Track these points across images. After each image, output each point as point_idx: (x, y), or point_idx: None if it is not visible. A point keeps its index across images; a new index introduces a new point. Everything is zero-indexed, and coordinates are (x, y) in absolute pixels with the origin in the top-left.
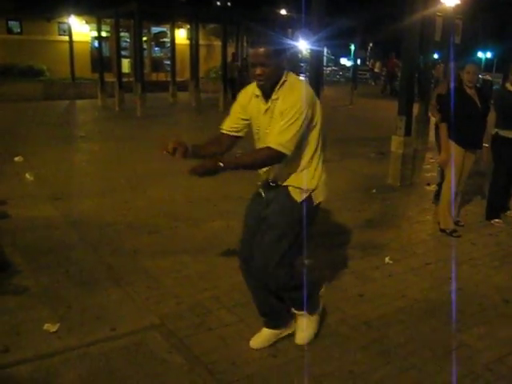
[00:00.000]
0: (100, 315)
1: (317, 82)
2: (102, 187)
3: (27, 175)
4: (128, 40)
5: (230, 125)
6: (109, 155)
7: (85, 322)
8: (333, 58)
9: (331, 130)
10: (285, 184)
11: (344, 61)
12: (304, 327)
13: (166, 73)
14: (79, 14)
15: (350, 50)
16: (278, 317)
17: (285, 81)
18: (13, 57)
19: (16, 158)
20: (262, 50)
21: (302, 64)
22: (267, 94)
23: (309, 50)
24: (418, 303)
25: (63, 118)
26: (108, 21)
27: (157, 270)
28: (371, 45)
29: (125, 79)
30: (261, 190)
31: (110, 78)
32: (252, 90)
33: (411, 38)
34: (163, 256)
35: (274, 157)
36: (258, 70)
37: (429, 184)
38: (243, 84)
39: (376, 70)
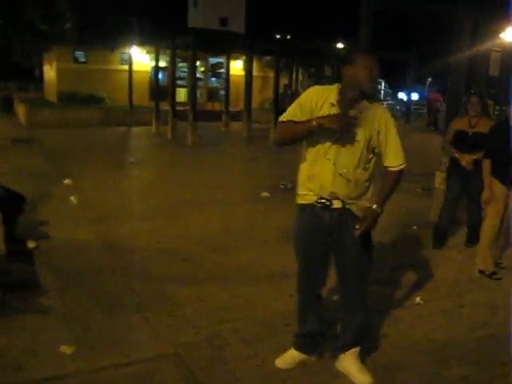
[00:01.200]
0: (116, 340)
1: None
2: (142, 212)
3: (72, 198)
4: (186, 70)
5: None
6: (154, 181)
7: (100, 346)
8: (390, 91)
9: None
10: (353, 205)
11: (402, 95)
12: (360, 367)
13: (221, 102)
14: (140, 44)
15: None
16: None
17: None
18: (77, 85)
19: (65, 181)
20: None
21: None
22: (347, 105)
23: None
24: (445, 348)
25: (117, 143)
26: (167, 51)
27: (180, 298)
28: (430, 79)
29: (181, 108)
30: (318, 211)
31: (166, 106)
32: (327, 94)
33: (457, 72)
34: (189, 284)
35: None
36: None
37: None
38: None
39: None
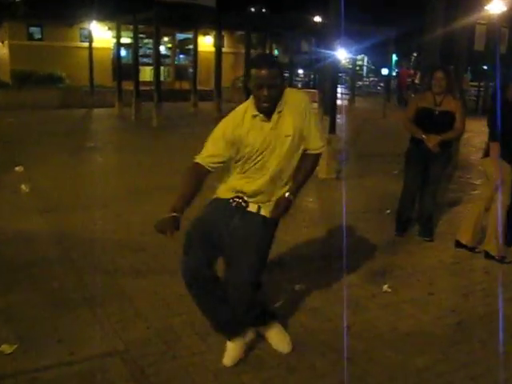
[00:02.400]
0: (62, 338)
1: (333, 94)
2: (98, 201)
3: (23, 186)
4: (151, 47)
5: (214, 158)
6: (114, 167)
7: (44, 344)
8: (373, 68)
9: (354, 145)
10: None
11: (385, 71)
12: (281, 336)
13: (190, 81)
14: (101, 19)
15: (392, 59)
16: (238, 323)
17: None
18: (33, 64)
19: (16, 168)
20: (271, 71)
21: (340, 74)
22: (269, 111)
23: (348, 60)
24: (410, 337)
25: (76, 127)
26: (131, 27)
27: (133, 291)
28: (415, 54)
29: (146, 88)
30: (231, 202)
31: (130, 86)
32: (243, 111)
33: (430, 47)
34: (144, 276)
35: (320, 158)
36: (265, 92)
37: (452, 205)
38: None
39: (416, 81)
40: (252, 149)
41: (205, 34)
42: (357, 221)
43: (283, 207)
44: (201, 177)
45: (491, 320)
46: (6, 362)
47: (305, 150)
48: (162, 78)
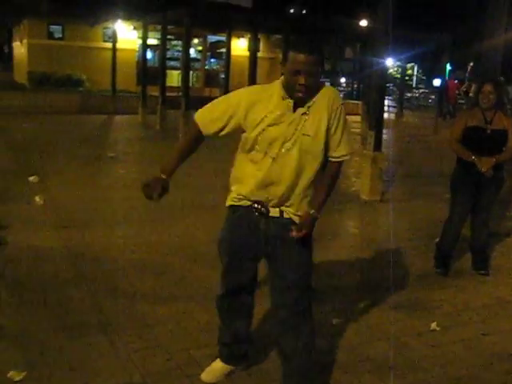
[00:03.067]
0: (74, 366)
1: (380, 106)
2: (117, 217)
3: (37, 198)
4: (180, 49)
5: (219, 125)
6: (135, 180)
7: (55, 372)
8: (424, 78)
9: (402, 164)
10: (291, 213)
11: (438, 82)
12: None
13: (221, 88)
14: (126, 18)
15: (446, 69)
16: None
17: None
18: (51, 65)
19: (31, 178)
20: (313, 57)
21: (387, 84)
22: (301, 102)
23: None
24: (460, 383)
25: (95, 134)
26: (158, 27)
27: (153, 318)
28: (471, 64)
29: (173, 93)
30: (255, 218)
31: (155, 91)
32: (270, 90)
33: (490, 57)
34: (165, 302)
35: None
36: (302, 80)
37: (509, 234)
38: None
39: (471, 94)
40: (267, 132)
41: (239, 36)
42: (402, 249)
43: (309, 225)
44: (196, 143)
45: None
46: None
47: (327, 158)
48: (190, 84)
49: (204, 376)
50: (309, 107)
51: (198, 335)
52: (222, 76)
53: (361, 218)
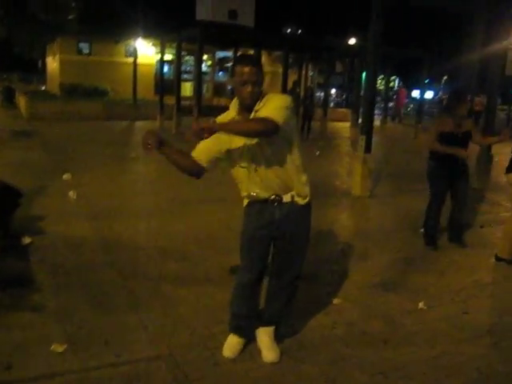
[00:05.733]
0: (108, 340)
1: (370, 114)
2: (142, 210)
3: (70, 193)
4: (192, 64)
5: (209, 156)
6: (155, 177)
7: (92, 345)
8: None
9: (387, 164)
10: (290, 197)
11: (416, 93)
12: (270, 346)
13: (227, 98)
14: (146, 36)
15: (424, 81)
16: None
17: (265, 93)
18: (80, 77)
19: (64, 176)
20: (255, 68)
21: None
22: (249, 109)
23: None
24: (446, 356)
25: (119, 137)
26: (173, 44)
27: (176, 298)
28: (445, 77)
29: (186, 102)
30: (265, 211)
31: (171, 100)
32: (232, 114)
33: (468, 72)
34: (187, 284)
35: (269, 127)
36: (249, 88)
37: (482, 226)
38: (306, 112)
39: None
40: (240, 148)
41: (244, 52)
42: (390, 238)
43: (207, 126)
44: (193, 167)
45: None
46: (57, 361)
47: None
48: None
49: (224, 352)
50: (256, 111)
51: (216, 313)
52: (228, 87)
53: (353, 211)
